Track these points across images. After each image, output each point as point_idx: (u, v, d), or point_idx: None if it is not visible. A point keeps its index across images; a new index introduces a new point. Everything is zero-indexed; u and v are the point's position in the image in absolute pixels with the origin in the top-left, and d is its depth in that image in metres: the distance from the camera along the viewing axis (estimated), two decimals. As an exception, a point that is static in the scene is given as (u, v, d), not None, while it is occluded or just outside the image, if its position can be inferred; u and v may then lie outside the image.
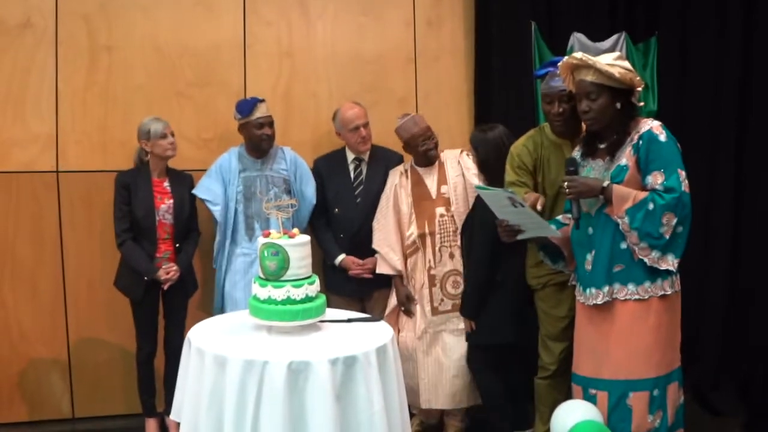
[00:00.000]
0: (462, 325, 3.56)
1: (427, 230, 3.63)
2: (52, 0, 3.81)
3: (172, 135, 3.60)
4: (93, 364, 3.96)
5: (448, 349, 3.60)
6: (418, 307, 3.63)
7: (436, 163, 3.72)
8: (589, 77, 2.64)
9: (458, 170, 3.70)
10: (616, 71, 2.59)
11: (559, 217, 2.95)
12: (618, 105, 2.65)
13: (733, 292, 4.27)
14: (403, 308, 3.71)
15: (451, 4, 4.36)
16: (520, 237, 2.84)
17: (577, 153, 2.85)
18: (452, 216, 3.61)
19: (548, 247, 2.95)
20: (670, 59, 4.30)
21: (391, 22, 4.29)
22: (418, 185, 3.70)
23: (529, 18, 4.21)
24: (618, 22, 4.33)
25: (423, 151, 3.66)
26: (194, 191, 3.73)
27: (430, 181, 3.70)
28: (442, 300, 3.61)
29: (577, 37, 4.21)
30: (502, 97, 4.24)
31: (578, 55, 2.68)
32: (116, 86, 3.93)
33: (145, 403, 3.69)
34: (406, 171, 3.75)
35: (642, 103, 2.96)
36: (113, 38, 3.91)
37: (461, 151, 3.77)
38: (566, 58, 2.73)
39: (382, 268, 3.73)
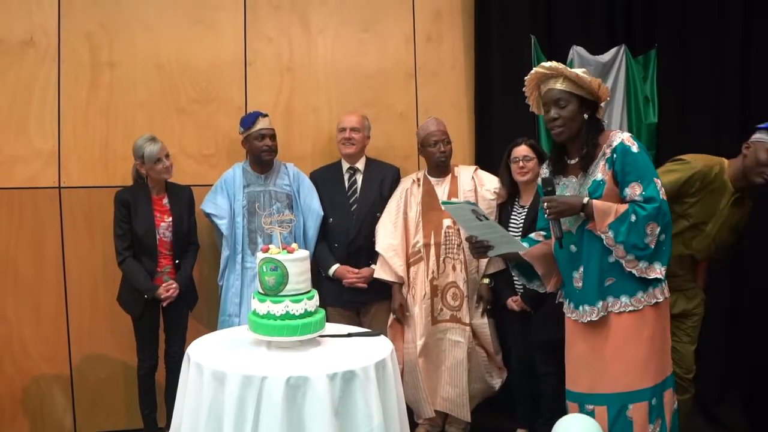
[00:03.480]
0: (458, 337, 3.58)
1: (432, 240, 3.65)
2: (55, 18, 3.85)
3: (167, 158, 3.57)
4: (95, 379, 3.96)
5: (444, 357, 3.65)
6: (418, 318, 3.63)
7: (449, 175, 3.76)
8: (558, 85, 2.68)
9: (471, 185, 3.73)
10: (586, 77, 2.64)
11: (532, 235, 2.96)
12: (585, 116, 2.68)
13: (738, 304, 4.23)
14: (395, 316, 3.71)
15: (451, 19, 4.40)
16: (490, 254, 2.84)
17: (546, 171, 2.86)
18: (458, 229, 3.61)
19: (523, 265, 2.94)
20: (670, 71, 4.31)
21: (391, 37, 4.32)
22: (429, 195, 3.72)
23: (529, 32, 4.24)
24: (617, 35, 4.35)
25: (434, 152, 3.68)
26: (201, 207, 3.76)
27: (441, 191, 3.72)
28: (441, 310, 3.63)
29: (577, 51, 4.24)
30: (503, 111, 4.25)
31: (547, 64, 2.71)
32: (118, 103, 3.96)
33: (146, 418, 3.69)
34: (418, 179, 3.78)
35: (605, 120, 2.98)
36: (115, 55, 3.95)
37: (475, 168, 3.82)
38: (534, 69, 2.75)
39: (381, 274, 3.70)
